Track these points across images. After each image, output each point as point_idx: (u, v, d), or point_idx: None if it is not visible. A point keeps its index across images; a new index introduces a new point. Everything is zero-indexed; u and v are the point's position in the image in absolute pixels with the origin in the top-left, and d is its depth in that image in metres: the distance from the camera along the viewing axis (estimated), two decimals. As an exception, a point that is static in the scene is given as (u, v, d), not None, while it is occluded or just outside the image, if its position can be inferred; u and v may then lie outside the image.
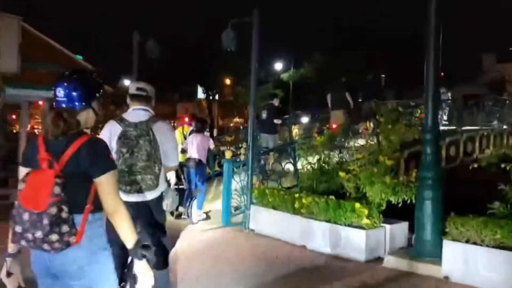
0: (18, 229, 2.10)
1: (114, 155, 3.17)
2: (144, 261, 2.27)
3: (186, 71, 34.21)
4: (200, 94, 44.67)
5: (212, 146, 8.12)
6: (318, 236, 6.09)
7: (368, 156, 6.58)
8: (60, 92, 2.25)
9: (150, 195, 3.49)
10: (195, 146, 7.83)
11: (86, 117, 2.33)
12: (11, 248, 2.27)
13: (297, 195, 6.48)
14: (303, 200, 6.34)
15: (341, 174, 6.56)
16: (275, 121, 10.16)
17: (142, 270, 2.27)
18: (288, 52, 35.96)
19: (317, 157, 7.09)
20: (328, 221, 6.01)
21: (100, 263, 2.27)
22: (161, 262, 3.48)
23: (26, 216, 2.07)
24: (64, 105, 2.25)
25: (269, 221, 6.81)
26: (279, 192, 6.80)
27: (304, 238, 6.27)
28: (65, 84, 2.26)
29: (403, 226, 5.99)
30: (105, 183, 2.20)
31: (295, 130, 17.12)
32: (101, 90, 2.42)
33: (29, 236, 2.07)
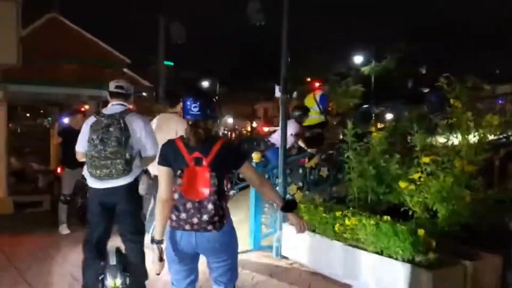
0: (183, 216, 2.61)
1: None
2: (294, 213, 2.88)
3: (262, 68, 33.04)
4: (277, 93, 43.32)
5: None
6: (366, 273, 4.33)
7: (442, 158, 4.67)
8: (196, 108, 2.71)
9: (121, 181, 3.77)
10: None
11: (213, 125, 2.80)
12: (160, 235, 2.75)
13: (338, 213, 4.75)
14: (347, 221, 4.60)
15: (402, 184, 4.73)
16: None
17: (295, 219, 2.88)
18: (368, 44, 33.33)
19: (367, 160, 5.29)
20: (380, 252, 4.24)
21: (232, 240, 2.82)
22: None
23: (189, 205, 2.60)
24: (199, 118, 2.71)
25: (305, 247, 5.13)
26: (317, 207, 5.09)
27: (348, 274, 4.54)
28: (199, 102, 2.70)
29: (494, 262, 4.07)
30: (248, 168, 2.82)
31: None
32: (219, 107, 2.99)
33: (195, 220, 2.59)
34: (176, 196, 2.62)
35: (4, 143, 8.76)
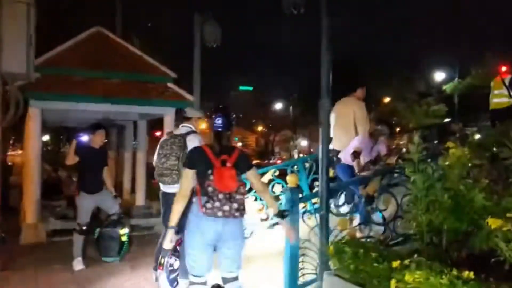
0: (217, 204, 3.29)
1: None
2: (285, 220, 3.70)
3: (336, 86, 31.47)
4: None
5: None
6: None
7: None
8: (220, 121, 3.55)
9: (173, 189, 4.43)
10: None
11: (229, 135, 3.60)
12: (174, 222, 3.43)
13: (396, 263, 3.32)
14: (407, 276, 3.16)
15: (493, 222, 3.25)
16: None
17: (285, 227, 3.78)
18: (451, 59, 30.69)
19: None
20: (457, 329, 2.77)
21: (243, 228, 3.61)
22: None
23: (221, 196, 3.29)
24: (221, 129, 3.55)
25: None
26: (367, 252, 3.68)
27: None
28: (223, 116, 3.56)
29: None
30: (253, 174, 3.65)
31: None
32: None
33: (226, 207, 3.29)
34: (210, 189, 3.29)
35: (37, 162, 8.23)
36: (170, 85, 9.19)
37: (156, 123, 10.44)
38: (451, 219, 3.79)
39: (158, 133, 14.52)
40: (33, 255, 6.84)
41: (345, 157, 5.94)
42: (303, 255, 4.50)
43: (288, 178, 4.43)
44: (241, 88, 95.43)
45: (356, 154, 5.78)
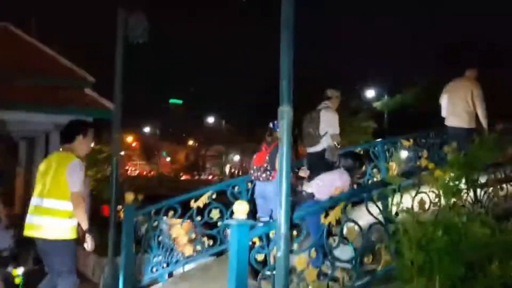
0: (254, 173, 5.32)
1: None
2: None
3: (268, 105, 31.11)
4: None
5: None
6: None
7: None
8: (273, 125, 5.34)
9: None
10: None
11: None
12: None
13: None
14: None
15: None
16: None
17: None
18: (381, 77, 31.32)
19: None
20: None
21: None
22: None
23: (255, 168, 5.27)
24: (274, 130, 5.26)
25: None
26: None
27: None
28: (275, 123, 5.16)
29: None
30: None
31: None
32: None
33: (258, 174, 5.22)
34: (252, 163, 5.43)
35: None
36: (87, 91, 7.91)
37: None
38: (446, 261, 2.97)
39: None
40: None
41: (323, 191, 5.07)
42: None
43: (236, 205, 3.38)
44: (171, 101, 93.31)
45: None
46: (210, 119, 57.20)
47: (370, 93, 31.23)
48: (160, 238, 5.75)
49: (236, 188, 6.30)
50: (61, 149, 4.28)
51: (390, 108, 30.12)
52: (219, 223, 6.06)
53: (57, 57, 8.18)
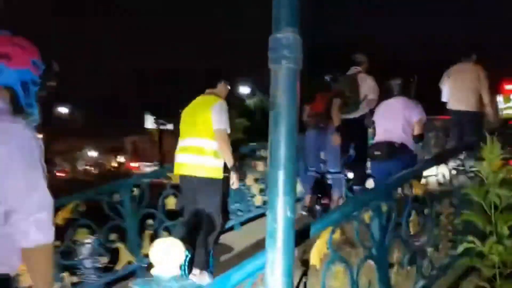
0: (312, 119, 5.61)
1: None
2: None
3: (130, 97, 28.32)
4: (150, 123, 38.89)
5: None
6: None
7: None
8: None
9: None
10: None
11: None
12: None
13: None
14: None
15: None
16: None
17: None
18: (254, 73, 30.58)
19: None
20: None
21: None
22: None
23: (313, 114, 5.63)
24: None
25: None
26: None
27: None
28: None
29: None
30: None
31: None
32: None
33: (318, 120, 5.55)
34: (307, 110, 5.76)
35: None
36: None
37: None
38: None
39: None
40: None
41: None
42: None
43: (158, 249, 1.50)
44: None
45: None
46: (63, 109, 51.01)
47: (244, 90, 30.26)
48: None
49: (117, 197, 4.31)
50: (205, 93, 4.41)
51: (256, 105, 29.67)
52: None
53: None
